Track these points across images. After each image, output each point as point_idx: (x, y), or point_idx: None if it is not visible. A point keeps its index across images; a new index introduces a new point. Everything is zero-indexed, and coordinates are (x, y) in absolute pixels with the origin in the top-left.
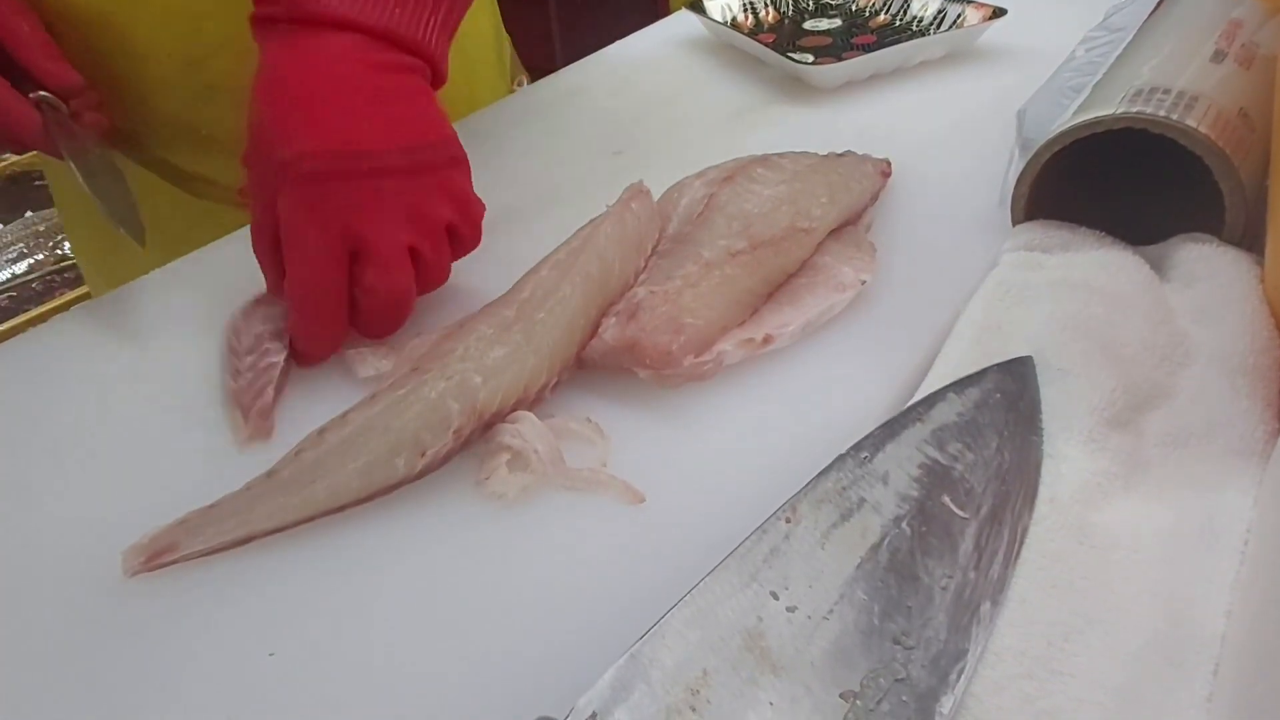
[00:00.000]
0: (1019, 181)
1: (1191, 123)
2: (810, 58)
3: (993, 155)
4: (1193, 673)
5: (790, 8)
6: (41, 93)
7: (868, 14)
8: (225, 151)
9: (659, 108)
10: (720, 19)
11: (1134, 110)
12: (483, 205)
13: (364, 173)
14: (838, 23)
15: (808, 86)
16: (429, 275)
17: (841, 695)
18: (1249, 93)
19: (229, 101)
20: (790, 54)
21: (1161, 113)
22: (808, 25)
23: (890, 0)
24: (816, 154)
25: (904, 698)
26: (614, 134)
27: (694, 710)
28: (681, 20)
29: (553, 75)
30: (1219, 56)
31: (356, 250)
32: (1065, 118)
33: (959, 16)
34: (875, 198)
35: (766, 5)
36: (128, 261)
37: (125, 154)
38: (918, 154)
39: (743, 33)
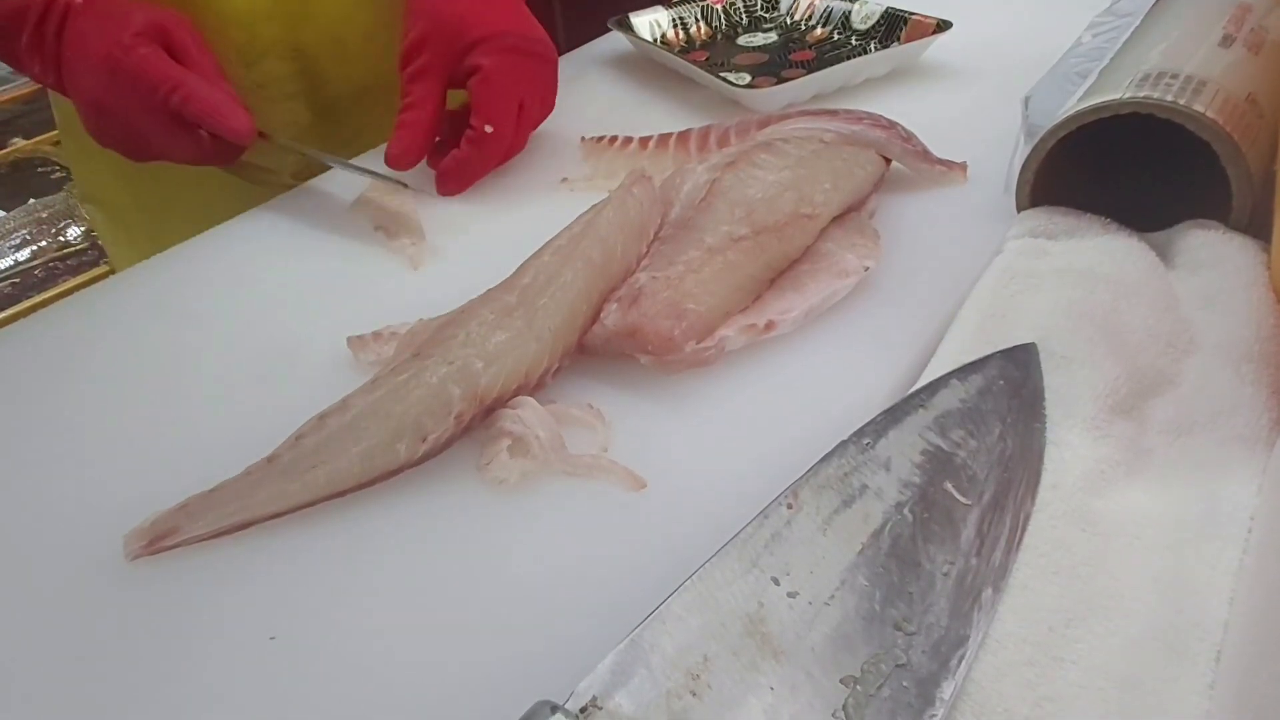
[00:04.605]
0: (1024, 167)
1: (1199, 108)
2: (747, 77)
3: (998, 141)
4: (1195, 660)
5: (723, 22)
6: None
7: (804, 28)
8: (275, 142)
9: (662, 94)
10: (649, 37)
11: (1141, 95)
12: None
13: (534, 54)
14: (774, 37)
15: None
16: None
17: (842, 680)
18: (1257, 78)
19: (279, 96)
20: (725, 74)
21: (1169, 97)
22: (742, 41)
23: (828, 12)
24: (821, 139)
25: (905, 683)
26: (617, 120)
27: (694, 695)
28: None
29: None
30: (1227, 41)
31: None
32: (1071, 103)
33: (901, 29)
34: (879, 184)
35: (697, 20)
36: (154, 234)
37: None
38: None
39: (673, 51)
